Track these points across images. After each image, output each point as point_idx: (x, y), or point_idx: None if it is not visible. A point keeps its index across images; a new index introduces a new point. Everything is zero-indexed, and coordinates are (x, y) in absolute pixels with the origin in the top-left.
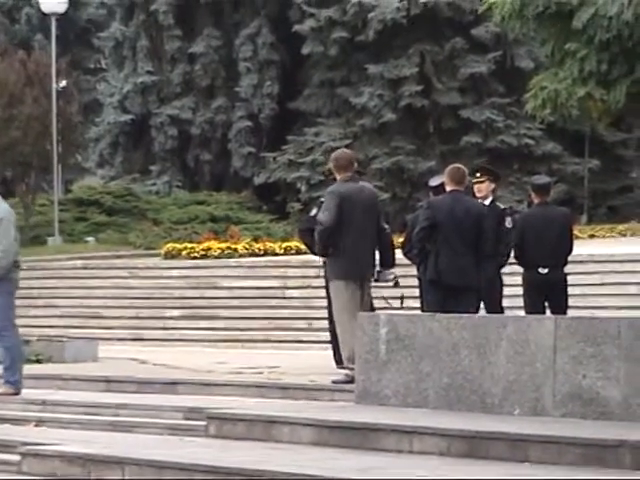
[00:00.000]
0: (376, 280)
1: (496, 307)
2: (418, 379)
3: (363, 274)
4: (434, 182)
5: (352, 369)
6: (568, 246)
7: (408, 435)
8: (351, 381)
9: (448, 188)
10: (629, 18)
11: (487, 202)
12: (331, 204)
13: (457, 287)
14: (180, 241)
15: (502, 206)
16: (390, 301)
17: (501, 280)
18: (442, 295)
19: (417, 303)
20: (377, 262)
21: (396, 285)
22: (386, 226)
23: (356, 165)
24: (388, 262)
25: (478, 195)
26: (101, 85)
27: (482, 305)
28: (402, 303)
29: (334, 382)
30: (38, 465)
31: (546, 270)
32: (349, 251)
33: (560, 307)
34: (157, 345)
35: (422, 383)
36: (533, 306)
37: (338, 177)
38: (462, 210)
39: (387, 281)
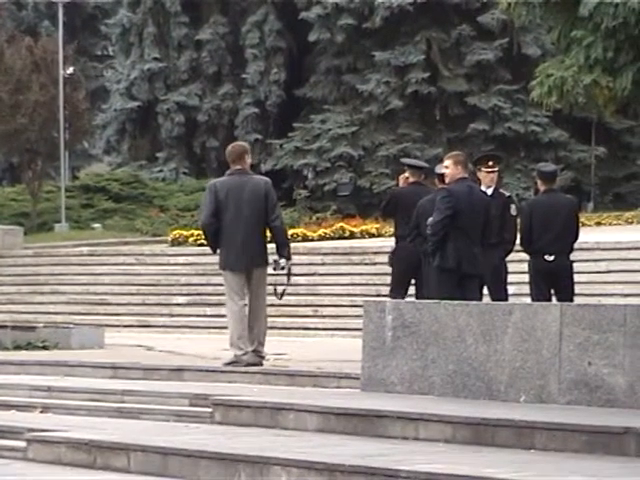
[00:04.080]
0: (274, 269)
1: (501, 294)
2: (424, 366)
3: (245, 265)
4: (441, 169)
5: (241, 353)
6: (574, 233)
7: (414, 422)
8: (236, 362)
9: (458, 176)
10: (635, 5)
11: (490, 190)
12: (206, 200)
13: (471, 275)
14: (187, 228)
15: (507, 193)
16: (279, 291)
17: (506, 267)
18: (456, 283)
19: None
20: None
21: (289, 275)
22: (276, 223)
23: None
24: (283, 254)
25: (490, 184)
26: (108, 72)
27: (485, 292)
28: (281, 297)
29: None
30: (44, 451)
31: (552, 257)
32: (227, 242)
33: (566, 294)
34: (163, 332)
35: (428, 370)
36: (539, 293)
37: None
38: (477, 199)
39: (283, 269)
